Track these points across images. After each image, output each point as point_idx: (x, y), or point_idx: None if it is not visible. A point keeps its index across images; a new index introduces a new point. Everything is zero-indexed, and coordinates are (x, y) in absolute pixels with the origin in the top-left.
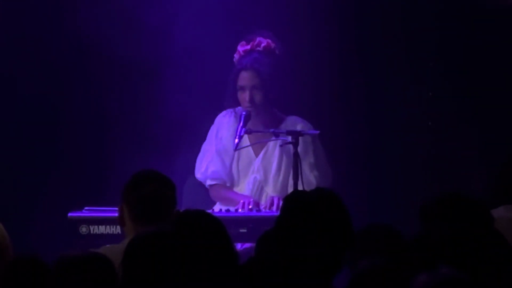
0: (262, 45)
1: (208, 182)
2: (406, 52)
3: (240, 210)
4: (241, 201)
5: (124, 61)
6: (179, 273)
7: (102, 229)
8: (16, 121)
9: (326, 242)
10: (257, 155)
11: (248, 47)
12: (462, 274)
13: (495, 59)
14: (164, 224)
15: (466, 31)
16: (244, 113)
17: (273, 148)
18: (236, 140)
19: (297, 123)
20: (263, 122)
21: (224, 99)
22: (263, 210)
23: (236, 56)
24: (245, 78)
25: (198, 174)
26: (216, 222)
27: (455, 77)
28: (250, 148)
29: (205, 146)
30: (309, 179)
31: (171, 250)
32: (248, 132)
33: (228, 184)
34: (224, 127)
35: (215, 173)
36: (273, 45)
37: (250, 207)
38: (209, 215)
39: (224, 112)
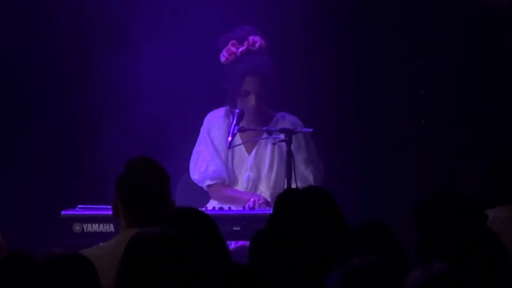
0: (257, 44)
1: (207, 182)
2: (399, 50)
3: (256, 207)
4: (252, 199)
5: (115, 60)
6: (172, 271)
7: (95, 227)
8: (10, 119)
9: (319, 240)
10: (249, 153)
11: (244, 47)
12: (456, 269)
13: (489, 58)
14: (162, 225)
15: (460, 30)
16: (237, 111)
17: (265, 145)
18: (230, 138)
19: (287, 120)
20: (254, 119)
21: (225, 100)
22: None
23: (228, 56)
24: (251, 82)
25: (196, 175)
26: (207, 220)
27: (448, 75)
28: (242, 147)
29: (198, 148)
30: (305, 175)
31: (171, 253)
32: (241, 130)
33: (227, 183)
34: (215, 127)
35: (216, 172)
36: (263, 42)
37: (260, 202)
38: (201, 212)
39: (213, 112)
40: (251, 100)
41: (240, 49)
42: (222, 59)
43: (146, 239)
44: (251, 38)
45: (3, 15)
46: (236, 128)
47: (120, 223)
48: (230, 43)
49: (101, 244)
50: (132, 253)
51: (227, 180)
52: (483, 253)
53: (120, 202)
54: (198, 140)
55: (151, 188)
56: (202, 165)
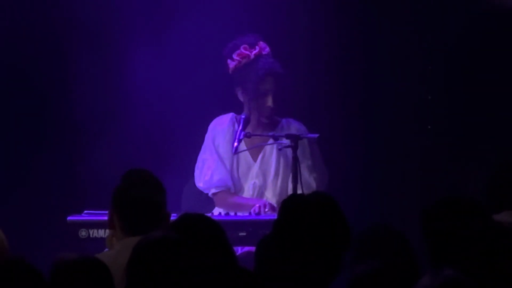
0: (266, 50)
1: (213, 191)
2: (405, 55)
3: (262, 213)
4: (257, 204)
5: (123, 64)
6: (178, 277)
7: (101, 233)
8: (15, 123)
9: (324, 246)
10: (255, 160)
11: (257, 50)
12: (465, 276)
13: (494, 62)
14: (167, 230)
15: (466, 34)
16: (243, 116)
17: (270, 152)
18: (235, 144)
19: (293, 126)
20: (260, 125)
21: (231, 105)
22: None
23: (241, 59)
24: (270, 82)
25: (201, 183)
26: (214, 226)
27: (454, 80)
28: (247, 154)
29: (202, 155)
30: (309, 182)
31: (177, 256)
32: (247, 135)
33: (232, 191)
34: (220, 134)
35: (221, 180)
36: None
37: (266, 210)
38: (208, 218)
39: (217, 119)
40: (269, 100)
41: (254, 52)
42: (232, 64)
43: (151, 243)
44: (261, 43)
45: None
46: (242, 133)
47: (115, 233)
48: (241, 47)
49: (106, 251)
50: (138, 258)
51: (232, 188)
52: (494, 256)
53: (116, 213)
54: (203, 147)
55: (146, 199)
56: (207, 173)
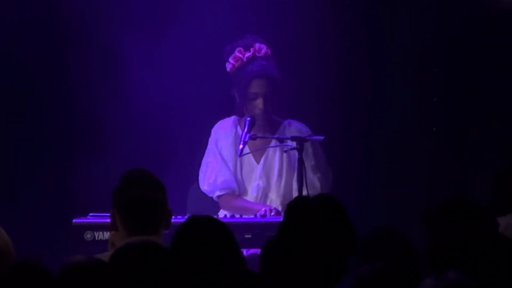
0: (263, 51)
1: (217, 193)
2: (410, 57)
3: (267, 216)
4: (263, 208)
5: (126, 67)
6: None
7: (106, 235)
8: (20, 126)
9: (329, 248)
10: (258, 162)
11: (250, 53)
12: (469, 278)
13: (500, 64)
14: (154, 236)
15: (471, 36)
16: (248, 119)
17: (273, 153)
18: (241, 146)
19: (295, 127)
20: (263, 125)
21: (234, 108)
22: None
23: (235, 63)
24: (259, 85)
25: (205, 186)
26: (223, 227)
27: (459, 83)
28: (250, 156)
29: (206, 159)
30: (313, 182)
31: (156, 260)
32: (253, 138)
33: (236, 193)
34: (222, 137)
35: (225, 182)
36: (269, 50)
37: (272, 214)
38: (216, 220)
39: (220, 122)
40: (259, 103)
41: (247, 55)
42: (229, 67)
43: (128, 249)
44: (257, 45)
45: (4, 16)
46: (248, 136)
47: (118, 235)
48: (236, 50)
49: (108, 252)
50: (115, 263)
51: (237, 190)
52: (496, 259)
53: (117, 213)
54: (206, 151)
55: (147, 198)
56: (211, 176)
